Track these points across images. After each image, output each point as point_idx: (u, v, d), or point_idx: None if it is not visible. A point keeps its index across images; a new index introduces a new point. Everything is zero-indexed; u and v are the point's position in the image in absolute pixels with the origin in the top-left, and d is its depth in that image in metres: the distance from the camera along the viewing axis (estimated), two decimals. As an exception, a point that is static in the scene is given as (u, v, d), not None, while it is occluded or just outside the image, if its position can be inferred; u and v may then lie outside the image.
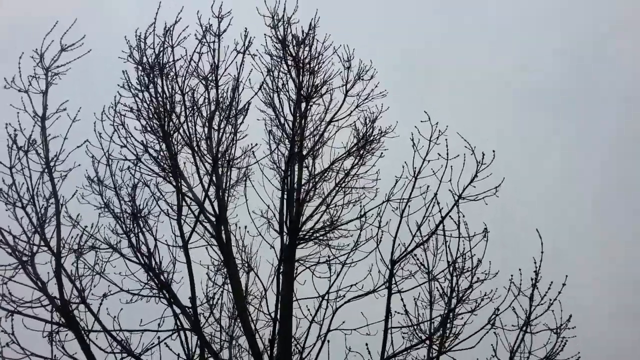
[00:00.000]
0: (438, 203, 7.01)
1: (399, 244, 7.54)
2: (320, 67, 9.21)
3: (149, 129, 8.25)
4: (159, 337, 7.12)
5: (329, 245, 8.70)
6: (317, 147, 9.16)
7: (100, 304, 7.08)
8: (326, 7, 9.25)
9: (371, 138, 9.16)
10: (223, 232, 8.15)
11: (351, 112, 9.25)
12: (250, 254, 8.77)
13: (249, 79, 8.66)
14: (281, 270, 8.01)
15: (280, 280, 7.93)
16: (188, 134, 8.28)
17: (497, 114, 14.09)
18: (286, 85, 9.12)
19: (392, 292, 7.40)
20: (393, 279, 7.46)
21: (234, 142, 8.51)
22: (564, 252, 6.83)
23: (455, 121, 8.12)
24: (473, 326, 6.79)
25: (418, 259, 7.16)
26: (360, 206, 8.30)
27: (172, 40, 8.36)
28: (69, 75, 8.37)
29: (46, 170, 7.50)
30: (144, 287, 7.83)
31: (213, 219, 8.08)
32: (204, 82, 8.55)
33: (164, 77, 8.29)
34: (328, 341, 7.09)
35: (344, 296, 7.66)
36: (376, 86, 9.39)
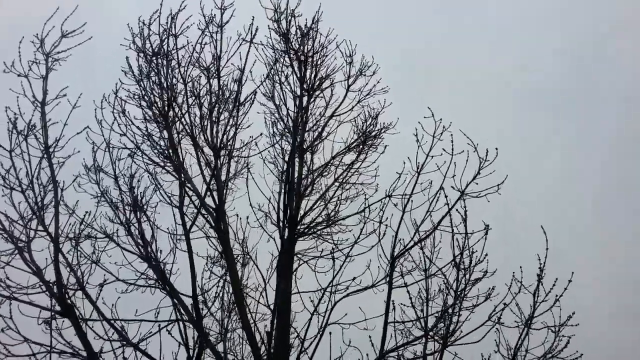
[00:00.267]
0: (447, 196, 6.99)
1: (400, 239, 7.51)
2: (323, 60, 9.18)
3: (150, 117, 8.18)
4: (159, 325, 7.04)
5: (327, 241, 8.66)
6: (318, 141, 9.12)
7: (100, 292, 7.00)
8: (325, 6, 9.22)
9: (372, 133, 9.14)
10: (221, 223, 8.09)
11: (353, 107, 9.23)
12: (247, 247, 8.71)
13: (251, 72, 8.64)
14: (280, 262, 7.96)
15: (279, 273, 7.87)
16: (189, 124, 8.23)
17: (497, 114, 14.13)
18: (288, 79, 9.08)
19: (393, 287, 7.35)
20: (394, 274, 7.42)
21: (235, 133, 8.46)
22: (564, 252, 6.85)
23: (455, 121, 8.10)
24: (473, 323, 6.77)
25: (424, 253, 7.12)
26: (365, 199, 8.24)
27: (175, 29, 8.30)
28: (69, 61, 8.30)
29: (45, 156, 7.41)
30: (139, 277, 7.77)
31: (213, 208, 8.02)
32: (205, 73, 8.50)
33: (166, 66, 8.22)
34: (330, 333, 7.05)
35: (347, 288, 7.60)
36: (378, 82, 9.37)
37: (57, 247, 7.01)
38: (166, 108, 8.14)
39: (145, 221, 7.78)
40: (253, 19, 8.35)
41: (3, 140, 7.21)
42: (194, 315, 7.46)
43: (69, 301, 6.92)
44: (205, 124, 8.33)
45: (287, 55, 9.11)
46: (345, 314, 7.40)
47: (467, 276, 6.71)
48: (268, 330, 7.75)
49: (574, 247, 6.73)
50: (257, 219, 8.33)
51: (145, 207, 7.84)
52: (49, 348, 6.63)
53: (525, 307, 6.68)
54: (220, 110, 8.50)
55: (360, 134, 9.18)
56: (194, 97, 8.34)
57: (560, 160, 13.96)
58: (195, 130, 8.27)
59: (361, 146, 9.17)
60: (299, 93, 9.07)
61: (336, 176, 9.00)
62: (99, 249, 7.70)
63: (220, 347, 8.05)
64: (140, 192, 7.88)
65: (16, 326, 6.53)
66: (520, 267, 6.76)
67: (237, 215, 8.13)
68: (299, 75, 9.06)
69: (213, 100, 8.41)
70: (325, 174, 9.11)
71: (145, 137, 8.12)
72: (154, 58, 8.22)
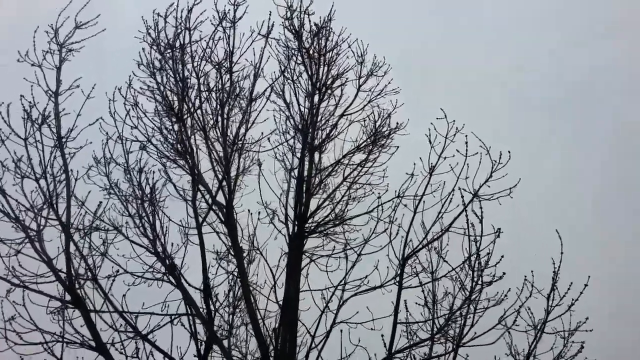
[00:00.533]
0: (462, 197, 6.99)
1: (411, 240, 7.53)
2: (335, 59, 9.19)
3: (162, 110, 8.18)
4: (171, 317, 7.04)
5: (335, 240, 8.66)
6: (328, 140, 9.12)
7: (112, 283, 7.00)
8: (325, 5, 9.23)
9: (383, 134, 9.13)
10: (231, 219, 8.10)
11: (364, 107, 9.23)
12: (258, 243, 8.69)
13: (262, 69, 8.64)
14: (289, 259, 7.97)
15: (288, 270, 7.88)
16: (201, 119, 8.23)
17: (494, 114, 14.11)
18: (300, 77, 9.09)
19: (403, 287, 7.37)
20: (404, 274, 7.44)
21: (247, 129, 8.46)
22: (564, 253, 6.84)
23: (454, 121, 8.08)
24: (483, 325, 6.78)
25: (438, 253, 7.13)
26: (378, 197, 8.23)
27: (190, 22, 8.30)
28: (82, 53, 8.30)
29: (58, 146, 7.41)
30: (147, 270, 7.76)
31: (223, 204, 8.03)
32: (217, 68, 8.50)
33: (180, 60, 8.22)
34: (341, 331, 7.06)
35: (359, 286, 7.61)
36: (389, 83, 9.37)
37: (69, 236, 7.00)
38: (179, 102, 8.14)
39: (157, 211, 7.75)
40: (270, 14, 8.36)
41: (17, 129, 7.19)
42: (205, 311, 7.46)
43: (78, 291, 6.90)
44: (217, 119, 8.34)
45: (299, 53, 9.12)
46: (357, 312, 7.39)
47: (481, 278, 6.71)
48: (275, 326, 7.75)
49: (573, 247, 6.74)
50: (267, 215, 8.31)
51: (156, 200, 7.83)
52: (59, 337, 6.61)
53: (536, 311, 6.69)
54: (232, 106, 8.52)
55: (371, 134, 9.19)
56: (206, 92, 8.34)
57: (559, 161, 13.97)
58: (207, 125, 8.28)
59: (371, 146, 9.17)
60: (310, 91, 9.07)
61: (345, 175, 9.00)
62: (108, 241, 7.68)
63: (225, 343, 8.06)
64: (150, 185, 7.87)
65: (29, 314, 6.52)
66: (532, 271, 6.77)
67: (249, 210, 8.10)
68: (310, 73, 9.06)
69: (225, 96, 8.42)
70: (334, 173, 9.12)
71: (157, 130, 8.13)
72: (168, 51, 8.21)
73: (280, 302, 7.81)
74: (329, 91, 9.18)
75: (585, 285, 6.56)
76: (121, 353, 7.03)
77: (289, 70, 9.03)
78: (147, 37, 8.36)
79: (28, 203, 7.17)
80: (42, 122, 7.32)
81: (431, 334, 7.22)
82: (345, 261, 7.83)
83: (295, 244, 8.22)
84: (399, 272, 7.57)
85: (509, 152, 7.43)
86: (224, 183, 8.13)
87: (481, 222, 6.80)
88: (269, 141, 8.64)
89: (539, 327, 6.61)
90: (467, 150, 7.29)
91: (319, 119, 9.08)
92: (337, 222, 8.74)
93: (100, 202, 7.52)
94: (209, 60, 8.47)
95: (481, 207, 6.86)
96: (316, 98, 9.06)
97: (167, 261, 7.59)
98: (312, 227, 8.47)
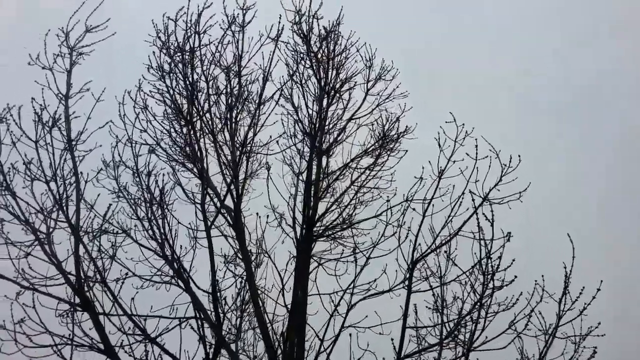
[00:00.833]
0: (473, 200, 6.97)
1: (420, 244, 7.51)
2: (344, 63, 9.21)
3: (171, 114, 8.21)
4: (179, 320, 7.04)
5: (343, 244, 8.66)
6: (336, 144, 9.13)
7: (121, 286, 7.01)
8: (332, 8, 9.25)
9: (391, 137, 9.13)
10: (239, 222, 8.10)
11: (372, 110, 9.24)
12: (266, 247, 8.69)
13: (271, 72, 8.65)
14: (297, 263, 7.96)
15: (296, 273, 7.87)
16: (210, 122, 8.25)
17: (501, 118, 14.11)
18: (309, 80, 9.10)
19: (412, 291, 7.35)
20: (412, 278, 7.42)
21: (255, 133, 8.47)
22: (569, 256, 6.81)
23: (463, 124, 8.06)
24: (493, 330, 6.74)
25: (448, 256, 7.12)
26: (387, 201, 8.22)
27: (199, 26, 8.33)
28: (92, 56, 8.34)
29: (68, 148, 7.43)
30: (156, 273, 7.76)
31: (231, 206, 8.04)
32: (226, 72, 8.52)
33: (189, 63, 8.25)
34: (350, 335, 7.04)
35: (368, 290, 7.60)
36: (397, 87, 9.39)
37: (78, 238, 7.02)
38: (188, 105, 8.16)
39: (167, 214, 7.76)
40: (280, 17, 8.39)
41: (27, 131, 7.23)
42: (213, 315, 7.45)
43: (87, 294, 6.91)
44: (226, 122, 8.36)
45: (307, 57, 9.13)
46: (366, 316, 7.36)
47: (492, 281, 6.68)
48: (283, 330, 7.74)
49: (579, 250, 6.69)
50: (276, 218, 8.32)
51: (164, 203, 7.84)
52: (68, 340, 6.62)
53: (546, 315, 6.65)
54: (240, 110, 8.53)
55: (379, 138, 9.18)
56: (215, 96, 8.36)
57: (565, 164, 13.94)
58: (215, 129, 8.29)
59: (379, 150, 9.17)
60: (318, 95, 9.08)
61: (353, 179, 9.00)
62: (117, 245, 7.69)
63: (233, 347, 8.05)
64: (161, 189, 7.88)
65: (39, 316, 6.54)
66: (542, 275, 6.74)
67: (257, 214, 8.10)
68: (318, 77, 9.08)
69: (233, 100, 8.43)
70: (342, 177, 9.11)
71: (166, 133, 8.15)
72: (178, 54, 8.24)
73: (289, 306, 7.79)
74: (338, 95, 9.20)
75: (598, 289, 6.52)
76: (130, 356, 7.03)
77: (297, 74, 9.05)
78: (157, 41, 8.39)
79: (38, 205, 7.20)
80: (52, 125, 7.35)
81: (440, 339, 7.19)
82: (354, 265, 7.79)
83: (303, 248, 8.22)
84: (407, 276, 7.54)
85: (519, 156, 7.42)
86: (232, 186, 8.13)
87: (492, 225, 6.76)
88: (277, 144, 8.65)
89: (550, 332, 6.56)
90: (477, 153, 7.27)
91: (327, 122, 9.09)
92: (345, 226, 8.74)
93: (110, 205, 7.53)
94: (218, 64, 8.50)
95: (492, 211, 6.83)
96: (325, 102, 9.08)
97: (175, 264, 7.58)
98: (320, 231, 8.46)
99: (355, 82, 9.22)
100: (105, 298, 7.03)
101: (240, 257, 8.17)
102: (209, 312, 7.53)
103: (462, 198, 7.24)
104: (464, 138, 7.63)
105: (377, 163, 9.07)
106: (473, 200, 7.02)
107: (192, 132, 8.14)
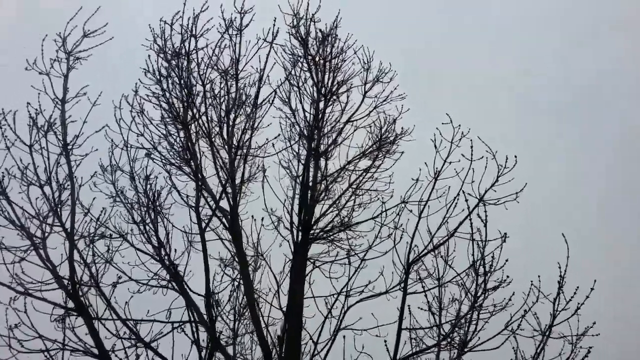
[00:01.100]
0: (467, 200, 6.93)
1: (415, 245, 7.46)
2: (341, 66, 9.19)
3: (168, 117, 8.21)
4: (172, 324, 7.02)
5: (340, 246, 8.62)
6: (333, 146, 9.10)
7: (113, 290, 7.00)
8: (330, 8, 9.24)
9: (388, 139, 9.10)
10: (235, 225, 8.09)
11: (369, 112, 9.21)
12: (262, 250, 8.67)
13: (268, 76, 8.65)
14: (293, 265, 7.94)
15: (292, 276, 7.84)
16: (207, 125, 8.25)
17: (501, 118, 14.06)
18: (305, 83, 9.08)
19: (408, 293, 7.30)
20: (408, 280, 7.38)
21: (251, 136, 8.46)
22: (569, 256, 6.76)
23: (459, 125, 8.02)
24: (489, 331, 6.69)
25: (443, 257, 7.08)
26: (382, 203, 8.19)
27: (196, 30, 8.34)
28: (89, 61, 8.36)
29: (63, 153, 7.44)
30: (152, 277, 7.76)
31: (227, 209, 8.02)
32: (223, 75, 8.52)
33: (185, 67, 8.26)
34: (344, 337, 7.00)
35: (361, 292, 7.56)
36: (395, 89, 9.36)
37: (72, 243, 7.02)
38: (184, 108, 8.17)
39: (161, 219, 7.75)
40: (275, 20, 8.38)
41: (23, 136, 7.24)
42: (207, 317, 7.43)
43: (82, 298, 6.91)
44: (222, 125, 8.35)
45: (304, 60, 9.12)
46: (361, 318, 7.33)
47: (486, 282, 6.63)
48: (279, 333, 7.71)
49: (578, 250, 6.63)
50: (272, 222, 8.29)
51: (160, 207, 7.83)
52: (61, 345, 6.61)
53: (542, 316, 6.59)
54: (237, 113, 8.52)
55: (376, 140, 9.15)
56: (212, 99, 8.36)
57: (565, 164, 13.88)
58: (212, 132, 8.29)
59: (376, 152, 9.13)
60: (315, 97, 9.06)
61: (350, 182, 8.97)
62: (113, 249, 7.69)
63: (230, 350, 8.03)
64: (156, 193, 7.88)
65: (31, 321, 6.53)
66: (539, 275, 6.68)
67: (253, 217, 8.08)
68: (315, 80, 9.06)
69: (230, 103, 8.43)
70: (339, 179, 9.08)
71: (162, 137, 8.15)
72: (175, 58, 8.25)
73: (285, 309, 7.76)
74: (335, 97, 9.18)
75: (592, 289, 6.47)
76: (124, 361, 7.01)
77: (294, 76, 9.04)
78: (153, 45, 8.41)
79: (33, 210, 7.19)
80: (47, 129, 7.35)
81: (437, 341, 7.14)
82: (348, 265, 7.76)
83: (300, 250, 8.18)
84: (403, 277, 7.50)
85: (515, 156, 7.37)
86: (229, 189, 8.12)
87: (486, 226, 6.72)
88: (274, 147, 8.62)
89: (545, 332, 6.50)
90: (472, 154, 7.23)
91: (324, 125, 9.07)
92: (342, 228, 8.70)
93: (104, 209, 7.52)
94: (215, 67, 8.50)
95: (486, 212, 6.78)
96: (321, 104, 9.06)
97: (171, 268, 7.57)
98: (317, 234, 8.43)
99: (352, 85, 9.20)
100: (99, 303, 7.01)
101: (237, 260, 8.15)
102: (204, 316, 7.50)
103: (458, 199, 7.20)
104: (460, 139, 7.60)
105: (375, 165, 9.04)
106: (467, 200, 6.96)
107: (188, 135, 8.13)
